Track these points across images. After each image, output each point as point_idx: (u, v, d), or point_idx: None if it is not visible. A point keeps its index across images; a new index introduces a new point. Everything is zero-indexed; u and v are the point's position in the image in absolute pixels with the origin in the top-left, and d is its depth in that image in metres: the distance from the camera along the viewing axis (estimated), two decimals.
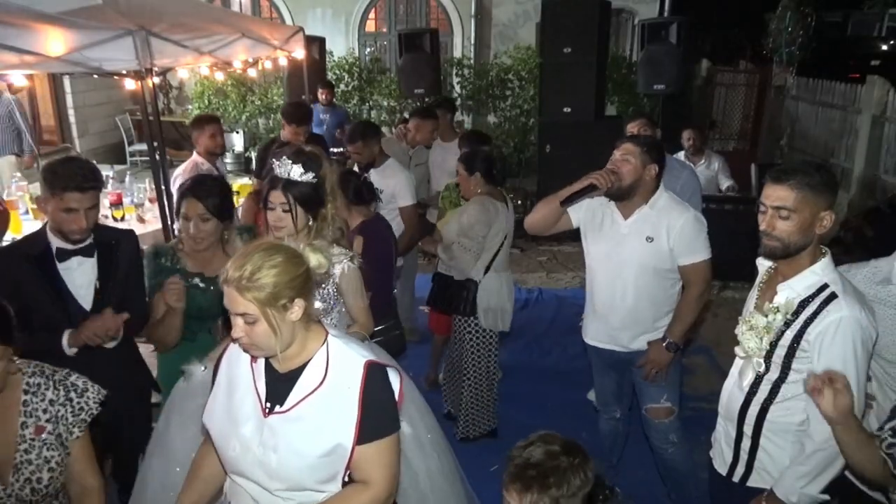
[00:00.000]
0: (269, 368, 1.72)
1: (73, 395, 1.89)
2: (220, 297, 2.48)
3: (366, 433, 1.64)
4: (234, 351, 1.78)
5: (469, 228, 3.64)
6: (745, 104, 10.64)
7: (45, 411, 1.84)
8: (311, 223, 2.39)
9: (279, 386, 1.69)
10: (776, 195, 2.00)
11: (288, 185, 2.32)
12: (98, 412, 1.94)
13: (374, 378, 1.67)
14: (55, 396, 1.86)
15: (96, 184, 2.42)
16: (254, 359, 1.73)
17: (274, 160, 2.38)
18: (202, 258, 2.71)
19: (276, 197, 2.33)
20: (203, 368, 2.44)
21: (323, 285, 2.44)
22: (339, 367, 1.68)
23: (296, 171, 2.31)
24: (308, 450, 1.65)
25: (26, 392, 1.84)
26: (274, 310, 1.58)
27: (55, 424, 1.85)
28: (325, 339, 1.72)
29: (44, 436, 1.83)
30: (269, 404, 1.68)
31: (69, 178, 2.34)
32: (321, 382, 1.67)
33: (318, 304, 2.38)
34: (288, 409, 1.67)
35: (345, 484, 1.70)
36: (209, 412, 1.79)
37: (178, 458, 2.31)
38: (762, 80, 10.42)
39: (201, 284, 2.68)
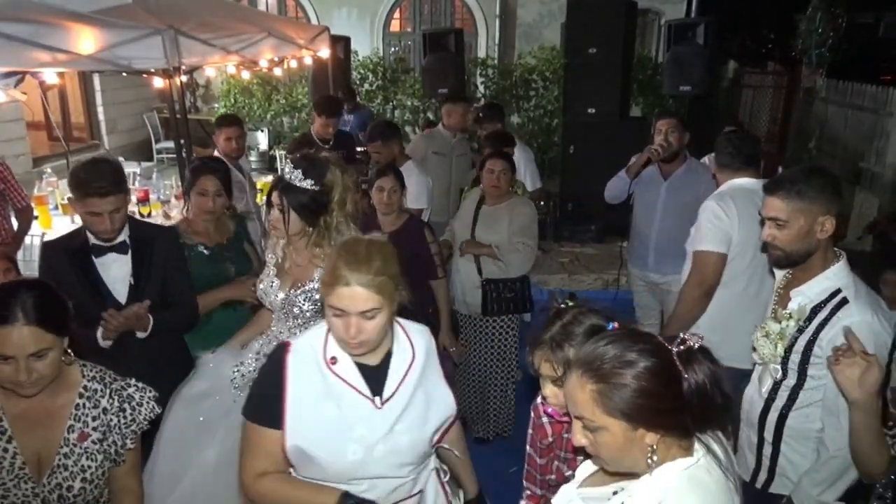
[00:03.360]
0: (360, 365, 1.74)
1: (126, 406, 1.84)
2: (220, 265, 2.72)
3: (450, 382, 1.90)
4: (294, 369, 1.73)
5: (530, 227, 3.70)
6: (773, 106, 10.49)
7: (94, 419, 1.79)
8: (309, 230, 2.33)
9: (374, 378, 1.76)
10: (770, 206, 2.01)
11: (286, 188, 2.28)
12: (148, 428, 1.90)
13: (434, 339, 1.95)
14: (109, 405, 1.81)
15: (117, 188, 2.41)
16: (332, 361, 1.73)
17: (287, 159, 2.45)
18: (204, 231, 3.05)
19: (276, 197, 2.31)
20: (211, 352, 2.53)
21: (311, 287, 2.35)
22: (418, 341, 1.86)
23: (296, 176, 2.27)
24: (433, 415, 1.81)
25: (81, 396, 1.79)
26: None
27: (103, 433, 1.79)
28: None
29: (86, 444, 1.77)
30: (376, 397, 1.73)
31: (90, 184, 2.37)
32: (413, 358, 1.82)
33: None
34: (393, 394, 1.75)
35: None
36: (295, 434, 1.68)
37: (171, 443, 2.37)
38: (791, 81, 10.26)
39: (206, 252, 2.99)
